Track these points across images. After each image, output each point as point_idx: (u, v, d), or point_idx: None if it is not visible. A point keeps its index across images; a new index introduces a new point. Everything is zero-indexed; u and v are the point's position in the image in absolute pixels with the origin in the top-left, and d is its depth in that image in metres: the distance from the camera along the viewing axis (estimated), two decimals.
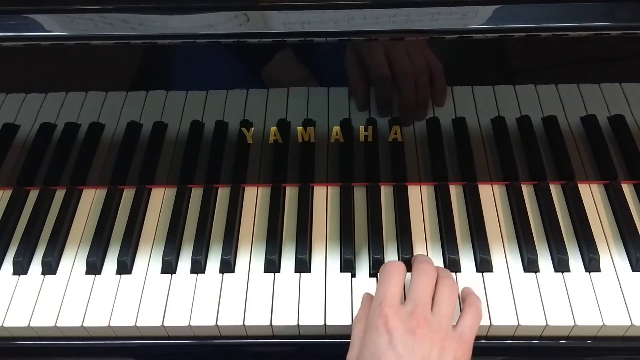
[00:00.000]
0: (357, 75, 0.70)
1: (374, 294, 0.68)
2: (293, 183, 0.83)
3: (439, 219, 0.79)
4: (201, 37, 0.65)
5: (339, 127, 0.76)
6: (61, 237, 0.78)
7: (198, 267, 0.74)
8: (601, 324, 0.68)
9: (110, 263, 0.76)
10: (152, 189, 0.83)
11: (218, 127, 0.76)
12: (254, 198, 0.82)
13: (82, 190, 0.84)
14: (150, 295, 0.72)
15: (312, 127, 0.76)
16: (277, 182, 0.82)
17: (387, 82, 0.70)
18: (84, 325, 0.70)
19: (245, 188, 0.83)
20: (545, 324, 0.68)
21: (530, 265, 0.73)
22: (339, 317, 0.70)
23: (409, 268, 0.70)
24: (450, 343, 0.62)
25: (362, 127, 0.76)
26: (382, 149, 0.78)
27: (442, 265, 0.74)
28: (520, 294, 0.71)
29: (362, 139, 0.77)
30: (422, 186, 0.82)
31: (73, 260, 0.77)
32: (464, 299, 0.69)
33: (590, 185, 0.81)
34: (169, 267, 0.75)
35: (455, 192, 0.81)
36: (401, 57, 0.68)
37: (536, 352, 0.72)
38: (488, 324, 0.69)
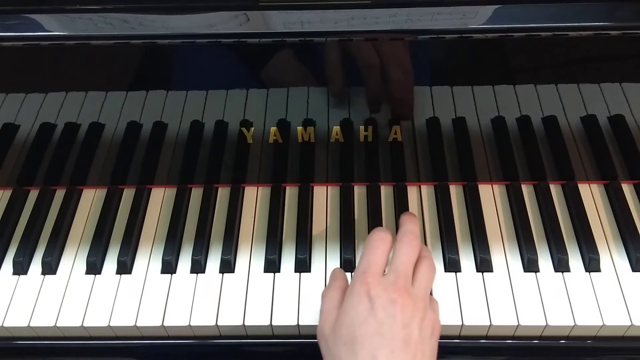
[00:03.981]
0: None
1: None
2: (293, 183, 0.83)
3: (439, 219, 0.79)
4: (201, 37, 0.65)
5: (339, 127, 0.76)
6: (61, 237, 0.78)
7: (198, 267, 0.74)
8: (601, 324, 0.68)
9: (110, 263, 0.76)
10: (152, 189, 0.83)
11: (218, 127, 0.76)
12: (254, 198, 0.82)
13: (82, 190, 0.84)
14: (150, 295, 0.72)
15: (312, 127, 0.76)
16: (277, 182, 0.82)
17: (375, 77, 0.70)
18: (84, 325, 0.70)
19: (245, 188, 0.83)
20: (545, 324, 0.68)
21: (530, 265, 0.73)
22: None
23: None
24: (431, 315, 0.62)
25: (362, 127, 0.76)
26: (382, 149, 0.78)
27: (442, 265, 0.74)
28: (520, 294, 0.71)
29: (362, 139, 0.77)
30: (422, 186, 0.82)
31: (73, 260, 0.77)
32: None
33: (590, 185, 0.81)
34: (169, 267, 0.75)
35: (455, 192, 0.81)
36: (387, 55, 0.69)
37: (536, 352, 0.72)
38: (488, 323, 0.69)
